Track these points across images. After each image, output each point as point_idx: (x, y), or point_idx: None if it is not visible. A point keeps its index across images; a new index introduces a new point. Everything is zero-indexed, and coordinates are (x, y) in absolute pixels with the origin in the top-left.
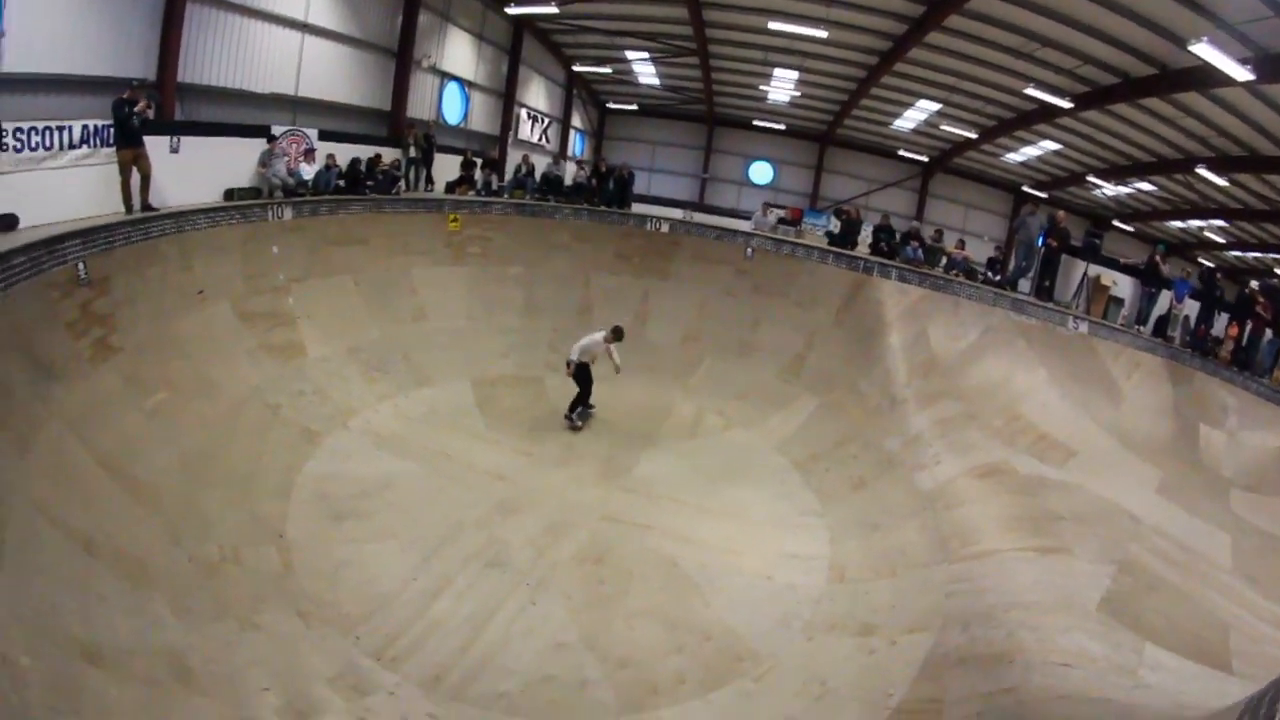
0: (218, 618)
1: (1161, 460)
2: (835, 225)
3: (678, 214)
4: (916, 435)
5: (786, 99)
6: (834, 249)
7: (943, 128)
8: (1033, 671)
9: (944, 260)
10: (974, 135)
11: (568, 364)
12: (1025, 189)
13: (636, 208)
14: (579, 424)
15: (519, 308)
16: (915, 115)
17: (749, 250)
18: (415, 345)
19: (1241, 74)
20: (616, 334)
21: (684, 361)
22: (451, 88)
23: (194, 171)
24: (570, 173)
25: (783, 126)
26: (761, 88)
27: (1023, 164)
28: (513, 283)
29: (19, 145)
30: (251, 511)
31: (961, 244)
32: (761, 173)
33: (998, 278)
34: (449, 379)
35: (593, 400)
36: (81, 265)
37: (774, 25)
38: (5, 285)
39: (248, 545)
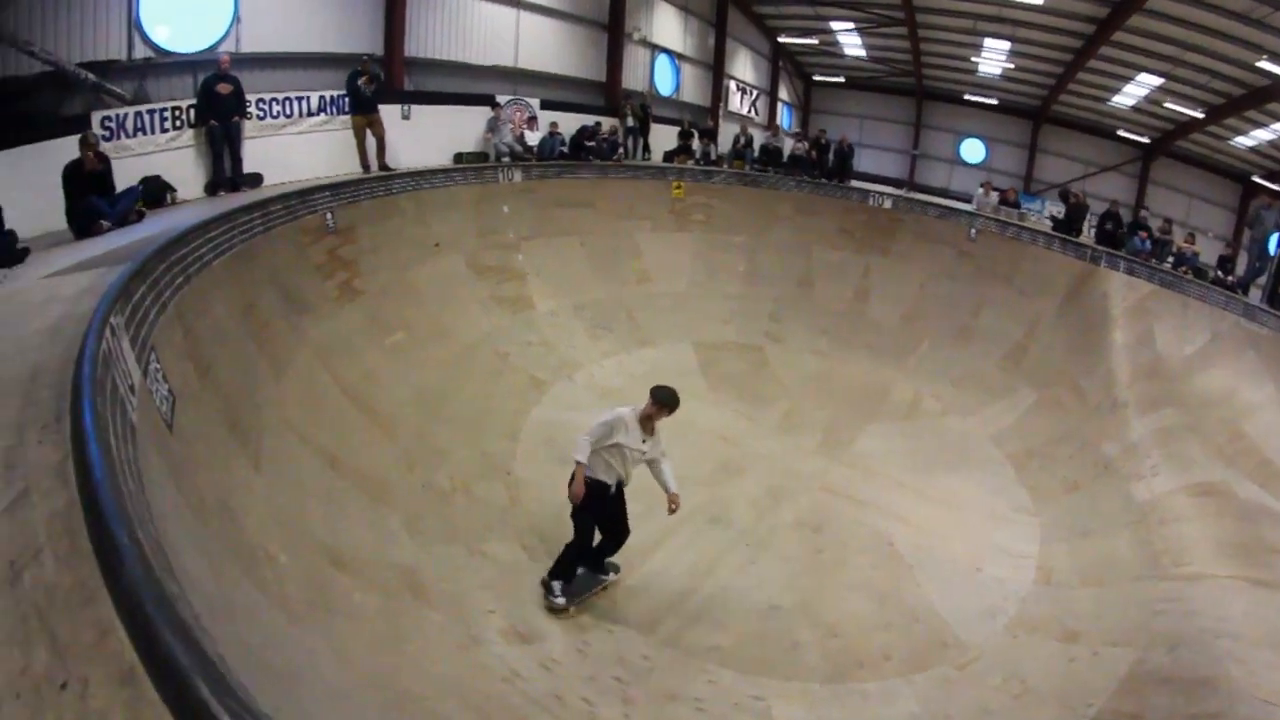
0: (448, 541)
1: None
2: (1058, 209)
3: (892, 190)
4: (1135, 442)
5: (998, 71)
6: (1059, 234)
7: (1165, 105)
8: (1238, 703)
9: (1172, 256)
10: (1200, 114)
11: (573, 477)
12: (1256, 179)
13: (853, 183)
14: (561, 602)
15: (741, 275)
16: (1135, 91)
17: (972, 231)
18: (638, 306)
19: None
20: (662, 401)
21: (903, 342)
22: (662, 60)
23: (424, 137)
24: (788, 144)
25: (994, 101)
26: (972, 59)
27: (1253, 149)
28: (735, 251)
29: (261, 114)
30: (481, 448)
31: (1191, 237)
32: (973, 150)
33: (1229, 279)
34: (671, 340)
35: (615, 561)
36: (330, 215)
37: None
38: (266, 228)
39: (477, 479)
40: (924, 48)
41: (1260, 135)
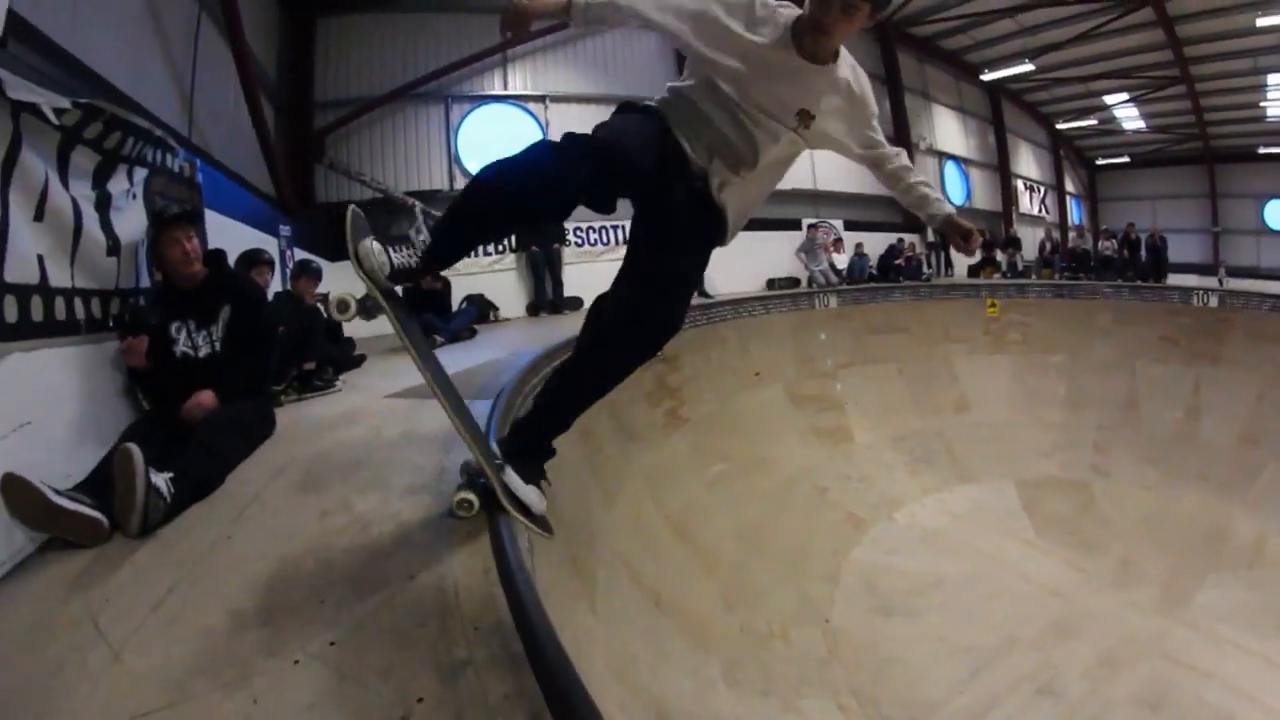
0: (765, 694)
1: None
2: None
3: (1208, 284)
4: None
5: None
6: None
7: None
8: None
9: None
10: None
11: None
12: None
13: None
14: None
15: (1061, 400)
16: None
17: None
18: (957, 437)
19: None
20: None
21: (1242, 468)
22: (950, 167)
23: (736, 262)
24: (1095, 245)
25: None
26: (1260, 104)
27: None
28: (1054, 372)
29: (579, 241)
30: (800, 590)
31: None
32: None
33: None
34: (992, 476)
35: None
36: None
37: (1262, 21)
38: None
39: (795, 624)
40: (1205, 103)
41: None
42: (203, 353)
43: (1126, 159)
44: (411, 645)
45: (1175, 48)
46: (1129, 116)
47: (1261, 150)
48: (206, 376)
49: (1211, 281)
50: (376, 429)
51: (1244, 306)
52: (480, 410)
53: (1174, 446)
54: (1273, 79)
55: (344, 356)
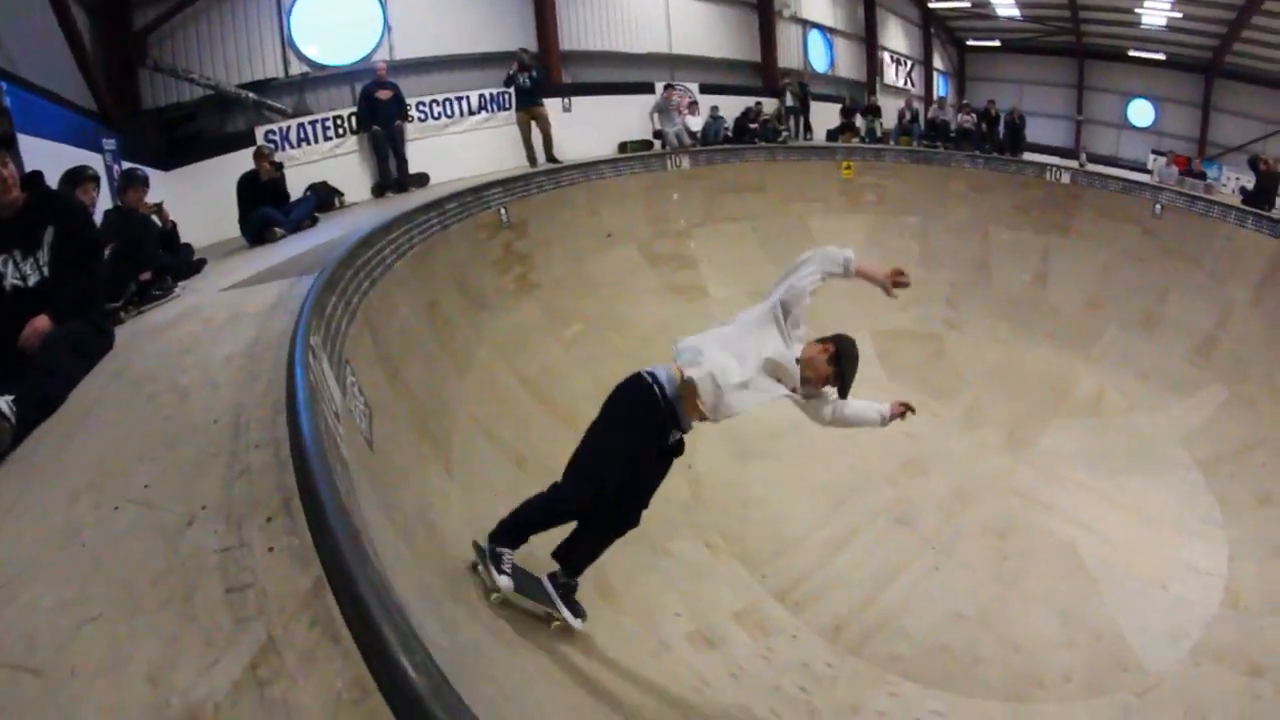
0: (635, 540)
1: None
2: (1247, 179)
3: (1067, 163)
4: None
5: (1163, 22)
6: (1251, 209)
7: None
8: None
9: None
10: None
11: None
12: None
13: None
14: (505, 582)
15: (915, 258)
16: None
17: (1157, 207)
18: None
19: None
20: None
21: (1086, 330)
22: (814, 35)
23: (587, 128)
24: (954, 117)
25: (1162, 56)
26: (1135, 10)
27: None
28: (909, 232)
29: (423, 116)
30: None
31: None
32: (1142, 113)
33: None
34: (848, 329)
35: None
36: (503, 210)
37: None
38: (442, 226)
39: None
40: (1082, 1)
41: None
42: (32, 281)
43: (998, 43)
44: (206, 473)
45: None
46: (1004, 3)
47: (1132, 53)
48: (40, 304)
49: (1072, 163)
50: (208, 318)
51: (1096, 186)
52: (306, 284)
53: (1022, 306)
54: None
55: (183, 264)
